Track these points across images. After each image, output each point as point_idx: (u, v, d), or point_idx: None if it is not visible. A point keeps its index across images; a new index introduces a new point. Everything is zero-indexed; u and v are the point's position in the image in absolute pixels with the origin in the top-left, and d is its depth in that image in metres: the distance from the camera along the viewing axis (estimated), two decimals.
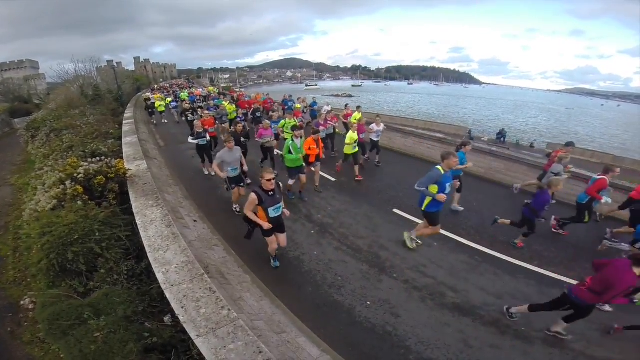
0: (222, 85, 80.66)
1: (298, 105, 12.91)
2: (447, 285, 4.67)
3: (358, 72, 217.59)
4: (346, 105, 12.46)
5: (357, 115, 10.66)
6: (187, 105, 14.54)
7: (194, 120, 13.20)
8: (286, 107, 14.30)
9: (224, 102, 15.12)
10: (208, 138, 8.56)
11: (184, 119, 13.75)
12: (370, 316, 4.10)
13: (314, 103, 14.81)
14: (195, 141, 8.29)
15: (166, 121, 18.06)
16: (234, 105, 14.37)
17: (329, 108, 12.83)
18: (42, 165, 7.59)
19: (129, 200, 5.04)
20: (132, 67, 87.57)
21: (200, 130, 8.36)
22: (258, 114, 13.27)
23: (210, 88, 35.12)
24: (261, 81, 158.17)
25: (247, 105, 14.87)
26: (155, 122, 17.66)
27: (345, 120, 11.48)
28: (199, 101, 20.37)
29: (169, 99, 22.08)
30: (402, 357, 3.58)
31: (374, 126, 9.22)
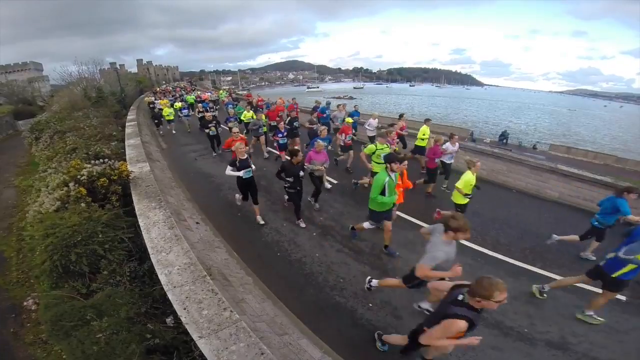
0: (225, 87, 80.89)
1: (349, 120, 10.10)
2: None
3: (360, 74, 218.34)
4: (401, 116, 10.35)
5: (425, 129, 8.85)
6: (209, 116, 11.26)
7: (216, 134, 10.96)
8: (324, 116, 12.04)
9: (246, 111, 12.69)
10: (254, 167, 6.22)
11: (207, 131, 11.01)
12: (372, 318, 4.10)
13: (356, 113, 12.08)
14: (238, 173, 5.88)
15: (175, 131, 15.65)
16: (263, 115, 11.47)
17: (375, 122, 10.74)
18: (45, 167, 7.61)
19: (132, 202, 5.06)
20: (134, 69, 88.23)
21: (244, 157, 6.00)
22: (296, 124, 10.53)
23: (221, 91, 29.66)
24: (263, 83, 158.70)
25: (277, 115, 12.24)
26: (162, 132, 15.34)
27: (401, 133, 9.72)
28: (211, 109, 16.66)
29: (178, 104, 18.65)
30: (404, 359, 3.57)
31: (448, 146, 7.59)
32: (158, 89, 39.56)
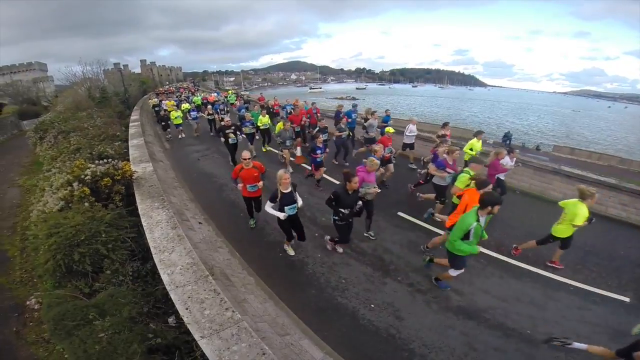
0: (228, 87, 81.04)
1: (390, 130, 7.94)
2: (451, 288, 4.64)
3: (362, 75, 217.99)
4: (445, 124, 8.68)
5: (475, 144, 7.51)
6: (227, 122, 9.27)
7: (236, 142, 8.98)
8: (349, 120, 10.39)
9: (261, 116, 10.98)
10: (300, 203, 4.85)
11: (223, 140, 9.08)
12: (374, 319, 4.09)
13: (388, 118, 10.50)
14: (280, 214, 4.61)
15: (184, 135, 14.21)
16: (289, 124, 9.42)
17: (414, 128, 9.28)
18: (49, 166, 7.67)
19: (135, 202, 5.09)
20: (138, 70, 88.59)
21: (288, 190, 4.63)
22: (324, 137, 8.89)
23: (230, 92, 26.04)
24: (265, 84, 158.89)
25: (302, 120, 10.64)
26: (170, 136, 14.23)
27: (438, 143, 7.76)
28: (222, 112, 14.88)
29: (186, 106, 17.06)
30: None
31: (507, 160, 6.58)
32: (162, 90, 39.42)
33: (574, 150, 20.97)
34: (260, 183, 5.65)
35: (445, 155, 6.17)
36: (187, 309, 2.86)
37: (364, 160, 5.50)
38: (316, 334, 3.79)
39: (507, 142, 23.80)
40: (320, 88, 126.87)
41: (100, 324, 3.05)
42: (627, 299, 4.53)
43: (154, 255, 3.67)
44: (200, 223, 5.89)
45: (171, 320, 3.38)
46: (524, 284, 4.76)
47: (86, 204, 4.71)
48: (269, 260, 5.25)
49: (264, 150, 11.30)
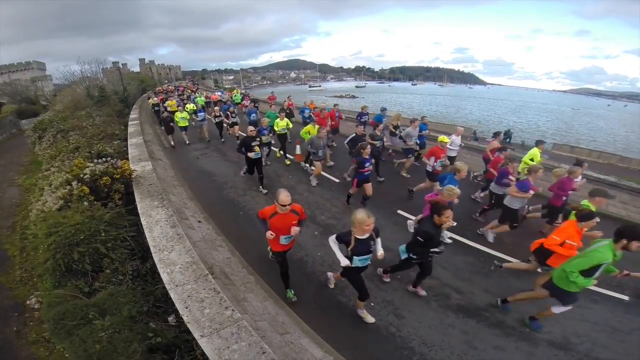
0: (226, 86, 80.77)
1: (446, 139, 7.00)
2: (451, 287, 4.64)
3: (362, 73, 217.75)
4: (496, 135, 8.19)
5: (535, 153, 7.02)
6: (252, 131, 7.35)
7: (260, 156, 7.53)
8: (377, 123, 8.81)
9: (279, 119, 9.51)
10: (381, 253, 3.62)
11: (250, 154, 7.21)
12: (374, 317, 4.08)
13: (424, 126, 9.32)
14: (344, 261, 3.53)
15: (188, 142, 12.51)
16: (323, 128, 7.93)
17: (459, 139, 8.47)
18: (48, 166, 7.66)
19: (134, 201, 5.08)
20: (137, 69, 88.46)
21: (365, 237, 3.43)
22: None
23: (236, 92, 22.37)
24: (265, 82, 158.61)
25: (328, 123, 9.91)
26: (173, 142, 12.35)
27: (492, 157, 7.06)
28: (233, 114, 12.97)
29: (191, 106, 14.63)
30: (405, 358, 3.57)
31: (578, 180, 5.87)
32: (160, 89, 39.10)
33: (574, 148, 20.98)
34: (297, 230, 3.90)
35: (508, 172, 5.74)
36: (186, 307, 2.86)
37: (438, 188, 4.87)
38: (316, 333, 3.80)
39: (508, 140, 23.81)
40: (320, 86, 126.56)
41: (101, 323, 3.05)
42: (626, 298, 4.55)
43: (153, 254, 3.66)
44: (199, 222, 5.88)
45: (171, 319, 3.38)
46: (524, 283, 4.76)
47: (85, 203, 4.70)
48: (269, 259, 5.25)
49: (278, 156, 10.18)
